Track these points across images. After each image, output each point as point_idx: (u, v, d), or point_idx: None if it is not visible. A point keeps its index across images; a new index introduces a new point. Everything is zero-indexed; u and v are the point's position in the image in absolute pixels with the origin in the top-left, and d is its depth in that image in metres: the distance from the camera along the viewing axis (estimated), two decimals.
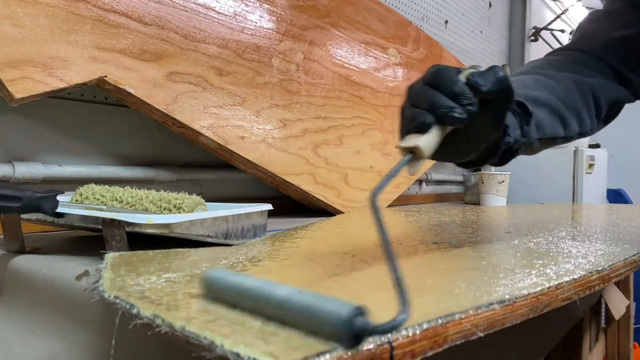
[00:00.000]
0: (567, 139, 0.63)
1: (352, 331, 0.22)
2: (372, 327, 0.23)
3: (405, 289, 0.26)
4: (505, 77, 0.44)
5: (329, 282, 0.39)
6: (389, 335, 0.24)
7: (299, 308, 0.24)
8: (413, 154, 0.39)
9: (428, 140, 0.40)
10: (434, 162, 1.57)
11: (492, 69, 0.44)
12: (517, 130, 0.53)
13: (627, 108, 0.75)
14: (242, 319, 0.27)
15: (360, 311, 0.23)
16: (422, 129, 0.40)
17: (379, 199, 0.32)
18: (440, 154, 0.44)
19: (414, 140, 0.40)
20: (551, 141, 0.61)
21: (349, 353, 0.22)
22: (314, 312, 0.23)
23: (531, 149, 0.59)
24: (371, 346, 0.23)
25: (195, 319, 0.26)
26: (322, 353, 0.21)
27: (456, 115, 0.40)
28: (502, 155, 0.54)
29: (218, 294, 0.30)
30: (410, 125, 0.41)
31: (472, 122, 0.42)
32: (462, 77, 0.43)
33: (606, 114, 0.68)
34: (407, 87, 0.45)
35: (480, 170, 1.54)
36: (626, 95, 0.68)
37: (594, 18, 0.72)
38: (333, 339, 0.22)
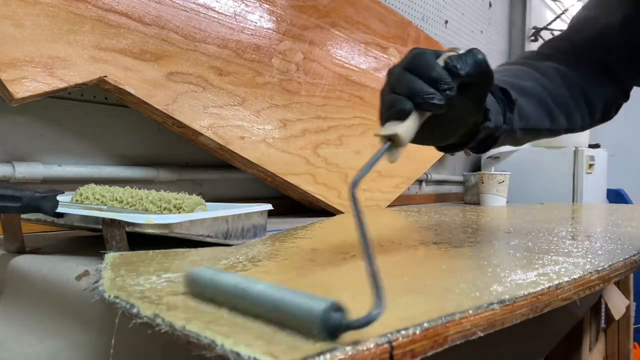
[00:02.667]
0: (554, 132, 0.62)
1: (327, 326, 0.23)
2: (347, 323, 0.23)
3: (380, 283, 0.25)
4: (484, 59, 0.44)
5: (330, 282, 0.39)
6: (390, 334, 0.24)
7: (276, 304, 0.25)
8: (392, 141, 0.39)
9: (407, 127, 0.40)
10: (433, 162, 1.57)
11: (470, 51, 0.44)
12: (499, 117, 0.52)
13: (627, 107, 0.75)
14: (243, 318, 0.27)
15: (336, 307, 0.23)
16: (401, 116, 0.40)
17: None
18: (420, 139, 0.44)
19: (393, 128, 0.39)
20: (535, 132, 0.60)
21: (350, 353, 0.22)
22: (291, 308, 0.24)
23: (513, 139, 0.58)
24: (371, 346, 0.23)
25: (196, 318, 0.26)
26: (323, 353, 0.21)
27: (435, 102, 0.40)
28: (483, 142, 0.53)
29: (199, 291, 0.31)
30: (389, 112, 0.41)
31: (451, 106, 0.42)
32: (441, 61, 0.43)
33: (602, 112, 0.67)
34: (388, 71, 0.45)
35: (480, 169, 1.54)
36: (617, 94, 0.66)
37: (589, 4, 0.69)
38: (310, 334, 0.23)
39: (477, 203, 1.57)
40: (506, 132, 0.54)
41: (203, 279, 0.31)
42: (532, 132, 0.59)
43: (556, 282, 0.39)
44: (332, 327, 0.23)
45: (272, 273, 0.43)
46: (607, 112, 0.67)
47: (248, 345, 0.22)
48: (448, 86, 0.41)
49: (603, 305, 1.11)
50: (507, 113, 0.53)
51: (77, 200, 0.63)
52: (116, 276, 0.37)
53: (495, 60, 2.39)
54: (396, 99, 0.41)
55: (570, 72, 0.63)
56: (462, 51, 0.44)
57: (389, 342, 0.24)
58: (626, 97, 0.68)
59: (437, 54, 0.44)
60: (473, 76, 0.43)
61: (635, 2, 0.61)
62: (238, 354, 0.21)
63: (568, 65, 0.64)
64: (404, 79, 0.41)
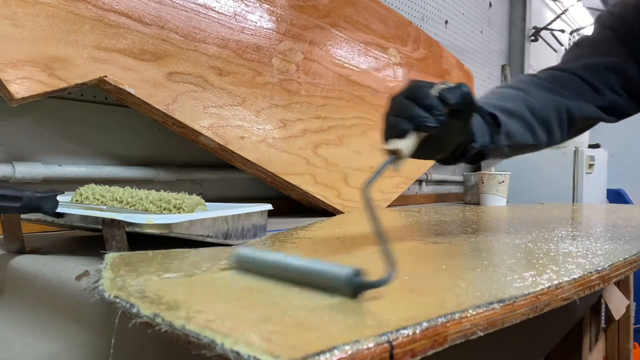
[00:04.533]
0: (536, 147, 0.71)
1: (353, 286, 0.30)
2: (367, 283, 0.30)
3: (392, 256, 0.33)
4: (469, 92, 0.52)
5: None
6: (390, 334, 0.24)
7: (314, 272, 0.32)
8: (395, 154, 0.47)
9: (407, 144, 0.48)
10: (433, 162, 1.57)
11: (458, 86, 0.52)
12: (486, 137, 0.62)
13: None
14: (243, 318, 0.27)
15: (358, 273, 0.30)
16: (402, 135, 0.48)
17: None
18: (417, 154, 0.52)
19: (395, 144, 0.47)
20: (520, 148, 0.69)
21: (349, 352, 0.22)
22: (326, 274, 0.32)
23: (501, 154, 0.67)
24: (371, 345, 0.23)
25: (195, 318, 0.26)
26: (323, 352, 0.21)
27: (429, 124, 0.49)
28: (473, 157, 0.63)
29: (247, 266, 0.38)
30: (393, 131, 0.49)
31: (442, 128, 0.50)
32: (434, 92, 0.51)
33: (578, 127, 0.74)
34: (390, 98, 0.53)
35: (480, 169, 1.54)
36: (598, 114, 0.73)
37: (581, 43, 0.78)
38: (340, 292, 0.30)
39: (477, 203, 1.57)
40: (493, 149, 0.63)
41: (249, 257, 0.38)
42: (517, 148, 0.69)
43: (556, 281, 0.39)
44: (356, 286, 0.30)
45: None
46: (584, 126, 0.75)
47: (248, 345, 0.22)
48: (439, 112, 0.50)
49: (603, 305, 1.11)
50: (494, 134, 0.62)
51: (77, 200, 0.63)
52: (116, 276, 0.37)
53: (495, 60, 2.39)
54: (398, 121, 0.50)
55: (558, 96, 0.71)
56: (452, 84, 0.52)
57: (389, 341, 0.24)
58: (614, 116, 0.75)
59: (431, 85, 0.52)
60: (460, 105, 0.51)
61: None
62: (238, 353, 0.21)
63: (557, 90, 0.72)
64: (405, 105, 0.50)
